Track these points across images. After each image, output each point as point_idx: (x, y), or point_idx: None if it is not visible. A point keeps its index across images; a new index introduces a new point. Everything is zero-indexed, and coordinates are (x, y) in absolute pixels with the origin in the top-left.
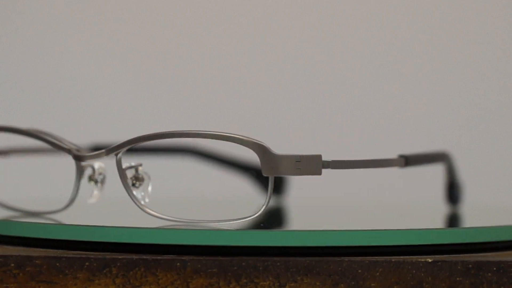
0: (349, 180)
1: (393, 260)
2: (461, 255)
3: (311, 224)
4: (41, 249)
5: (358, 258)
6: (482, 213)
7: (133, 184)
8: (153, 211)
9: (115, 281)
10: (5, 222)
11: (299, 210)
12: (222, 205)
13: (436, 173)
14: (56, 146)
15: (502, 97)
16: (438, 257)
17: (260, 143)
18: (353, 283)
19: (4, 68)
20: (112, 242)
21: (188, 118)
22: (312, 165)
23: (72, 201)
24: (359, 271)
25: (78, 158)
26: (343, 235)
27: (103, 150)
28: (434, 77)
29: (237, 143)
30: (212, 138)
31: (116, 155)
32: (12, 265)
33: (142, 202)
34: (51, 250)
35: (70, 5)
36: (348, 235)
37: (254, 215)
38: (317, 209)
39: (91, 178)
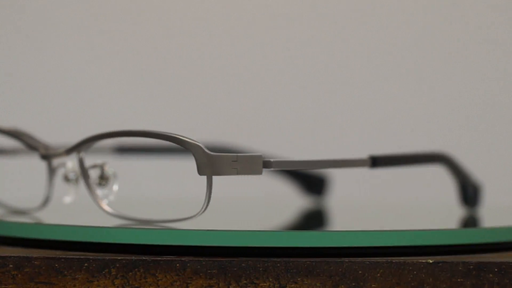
0: (353, 181)
1: (393, 261)
2: (462, 256)
3: (312, 224)
4: (40, 250)
5: (359, 259)
6: (483, 213)
7: (100, 183)
8: (111, 209)
9: (114, 282)
10: (4, 222)
11: (299, 210)
12: (185, 205)
13: (437, 173)
14: (28, 145)
15: (502, 97)
16: (439, 258)
17: (195, 142)
18: (353, 284)
19: None
20: (111, 243)
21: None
22: (251, 165)
23: (46, 200)
24: (360, 272)
25: (45, 157)
26: (343, 235)
27: (63, 149)
28: (431, 76)
29: (174, 142)
30: (148, 137)
31: (78, 153)
32: (11, 266)
33: (106, 201)
34: (50, 251)
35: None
36: (349, 235)
37: (195, 215)
38: (317, 209)
39: (65, 177)
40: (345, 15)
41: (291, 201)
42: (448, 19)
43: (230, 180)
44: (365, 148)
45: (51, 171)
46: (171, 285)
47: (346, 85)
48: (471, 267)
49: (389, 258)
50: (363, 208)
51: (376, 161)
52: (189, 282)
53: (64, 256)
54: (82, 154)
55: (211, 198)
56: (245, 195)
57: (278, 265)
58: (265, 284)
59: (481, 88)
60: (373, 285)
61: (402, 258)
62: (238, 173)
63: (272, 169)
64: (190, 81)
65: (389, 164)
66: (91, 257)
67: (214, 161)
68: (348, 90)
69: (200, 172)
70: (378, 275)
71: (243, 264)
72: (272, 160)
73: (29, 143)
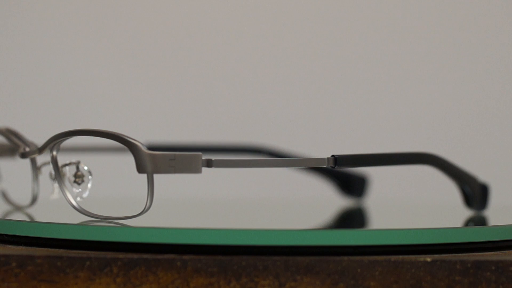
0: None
1: (392, 259)
2: (460, 254)
3: (310, 223)
4: (42, 249)
5: (358, 258)
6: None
7: (75, 180)
8: (80, 206)
9: (116, 280)
10: (6, 221)
11: (296, 209)
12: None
13: (437, 173)
14: (14, 144)
15: (502, 97)
16: (437, 256)
17: (133, 141)
18: (352, 282)
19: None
20: (113, 241)
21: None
22: (189, 163)
23: (34, 198)
24: (359, 270)
25: (23, 156)
26: (342, 234)
27: (36, 148)
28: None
29: (114, 140)
30: (90, 135)
31: (51, 151)
32: (14, 264)
33: (78, 198)
34: (52, 250)
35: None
36: (348, 234)
37: (138, 214)
38: (315, 208)
39: (50, 175)
40: (328, 15)
41: (312, 201)
42: (441, 17)
43: (265, 178)
44: (368, 147)
45: (35, 169)
46: (172, 283)
47: (350, 86)
48: (469, 265)
49: (388, 257)
50: (361, 207)
51: (338, 161)
52: (189, 280)
53: (66, 255)
54: (56, 153)
55: (246, 197)
56: (264, 195)
57: (278, 263)
58: (265, 282)
59: (484, 89)
60: (371, 283)
61: (400, 256)
62: (175, 172)
63: (213, 167)
64: (186, 81)
65: (353, 164)
66: (92, 256)
67: (152, 159)
68: (352, 90)
69: (139, 170)
70: (377, 273)
71: (243, 263)
72: (213, 159)
73: (15, 142)
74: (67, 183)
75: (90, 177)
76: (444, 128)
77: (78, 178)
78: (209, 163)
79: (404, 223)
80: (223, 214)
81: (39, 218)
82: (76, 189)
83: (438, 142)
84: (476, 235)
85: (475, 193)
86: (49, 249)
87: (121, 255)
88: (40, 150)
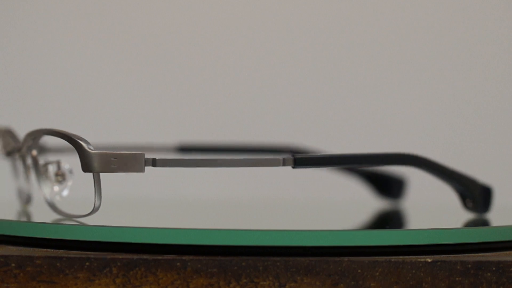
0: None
1: (392, 260)
2: (460, 255)
3: (309, 223)
4: (42, 249)
5: (358, 258)
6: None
7: (56, 179)
8: (54, 204)
9: (115, 281)
10: (6, 222)
11: (295, 208)
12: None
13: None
14: (6, 143)
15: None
16: (437, 257)
17: (77, 139)
18: (352, 283)
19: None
20: (113, 242)
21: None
22: (131, 163)
23: (28, 197)
24: (359, 271)
25: (7, 154)
26: (343, 235)
27: (16, 147)
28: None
29: (61, 137)
30: (44, 135)
31: (30, 150)
32: (13, 265)
33: (57, 197)
34: (52, 250)
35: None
36: (348, 235)
37: (87, 214)
38: (314, 208)
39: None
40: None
41: (335, 202)
42: (432, 15)
43: (290, 178)
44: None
45: (26, 168)
46: (171, 284)
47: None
48: (469, 266)
49: (388, 257)
50: (361, 207)
51: (297, 161)
52: (189, 281)
53: (65, 255)
54: (34, 151)
55: (266, 197)
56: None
57: (278, 264)
58: (265, 283)
59: (484, 89)
60: (372, 284)
61: (401, 257)
62: (118, 171)
63: (157, 167)
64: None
65: (314, 165)
66: (92, 256)
67: (94, 158)
68: (354, 90)
69: (83, 169)
70: (377, 274)
71: (243, 263)
72: (157, 158)
73: (7, 142)
74: (47, 180)
75: (71, 175)
76: (445, 128)
77: (59, 177)
78: (153, 163)
79: (405, 224)
80: (228, 214)
81: (38, 218)
82: (56, 187)
83: (439, 143)
84: (476, 235)
85: (474, 195)
86: (49, 250)
87: (120, 256)
88: (19, 149)
